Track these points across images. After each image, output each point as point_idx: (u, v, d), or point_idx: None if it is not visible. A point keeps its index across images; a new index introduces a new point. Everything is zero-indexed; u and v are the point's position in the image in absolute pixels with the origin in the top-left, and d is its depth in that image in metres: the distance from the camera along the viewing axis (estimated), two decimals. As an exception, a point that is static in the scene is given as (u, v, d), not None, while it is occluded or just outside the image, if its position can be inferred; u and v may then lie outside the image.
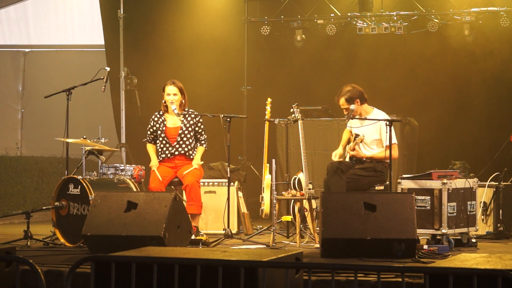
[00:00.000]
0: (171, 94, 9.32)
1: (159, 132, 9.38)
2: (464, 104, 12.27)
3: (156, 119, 9.45)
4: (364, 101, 9.15)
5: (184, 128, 9.35)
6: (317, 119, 11.08)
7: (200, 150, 9.38)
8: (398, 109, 11.17)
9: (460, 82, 12.32)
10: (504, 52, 11.90)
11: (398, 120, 9.90)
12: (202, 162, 9.41)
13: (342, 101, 9.15)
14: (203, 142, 9.41)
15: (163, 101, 9.39)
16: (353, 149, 9.11)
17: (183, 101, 9.35)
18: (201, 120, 9.42)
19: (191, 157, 9.34)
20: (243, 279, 4.83)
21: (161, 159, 9.37)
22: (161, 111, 9.46)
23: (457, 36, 12.05)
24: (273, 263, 5.45)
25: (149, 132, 9.46)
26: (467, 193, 8.66)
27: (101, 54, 13.78)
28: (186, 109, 9.37)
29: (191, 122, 9.38)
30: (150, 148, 9.46)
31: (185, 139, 9.34)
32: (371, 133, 9.11)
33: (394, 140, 8.84)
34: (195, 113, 9.37)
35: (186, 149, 9.34)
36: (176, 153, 9.33)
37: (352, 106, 9.08)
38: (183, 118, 9.34)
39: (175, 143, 9.34)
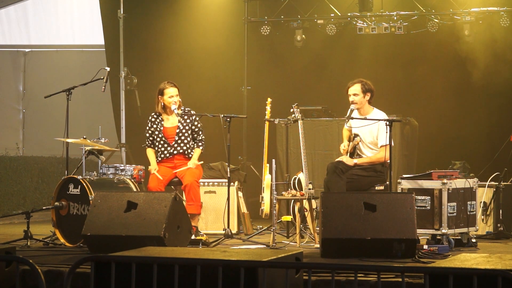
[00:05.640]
0: (174, 95, 9.31)
1: (156, 132, 9.37)
2: (464, 104, 12.26)
3: (153, 119, 9.44)
4: (371, 98, 9.14)
5: (182, 127, 9.36)
6: (317, 119, 11.06)
7: (197, 152, 9.36)
8: (398, 109, 11.16)
9: (460, 82, 12.30)
10: (504, 52, 11.89)
11: (398, 120, 9.88)
12: (202, 162, 9.40)
13: (357, 86, 9.06)
14: (200, 144, 9.40)
15: (161, 103, 9.38)
16: (352, 151, 9.11)
17: (180, 100, 9.37)
18: (197, 118, 9.42)
19: (190, 156, 9.34)
20: (243, 279, 4.83)
21: (160, 159, 9.37)
22: (157, 112, 9.46)
23: (457, 36, 12.04)
24: (273, 263, 5.45)
25: (147, 135, 9.44)
26: (467, 193, 8.66)
27: (101, 54, 13.77)
28: (182, 108, 9.37)
29: (188, 120, 9.39)
30: (150, 152, 9.43)
31: (183, 137, 9.34)
32: (371, 133, 9.10)
33: (386, 142, 8.75)
34: (192, 111, 9.38)
35: (184, 147, 9.34)
36: (175, 152, 9.34)
37: (352, 106, 9.08)
38: (184, 117, 9.35)
39: (173, 143, 9.34)
